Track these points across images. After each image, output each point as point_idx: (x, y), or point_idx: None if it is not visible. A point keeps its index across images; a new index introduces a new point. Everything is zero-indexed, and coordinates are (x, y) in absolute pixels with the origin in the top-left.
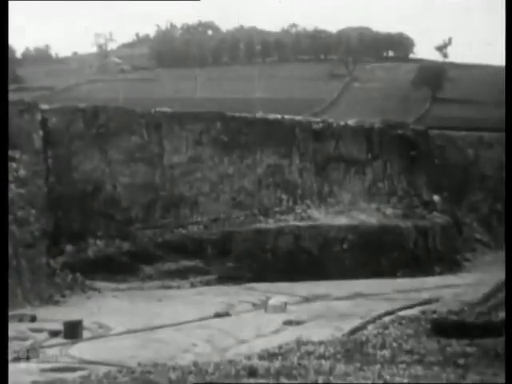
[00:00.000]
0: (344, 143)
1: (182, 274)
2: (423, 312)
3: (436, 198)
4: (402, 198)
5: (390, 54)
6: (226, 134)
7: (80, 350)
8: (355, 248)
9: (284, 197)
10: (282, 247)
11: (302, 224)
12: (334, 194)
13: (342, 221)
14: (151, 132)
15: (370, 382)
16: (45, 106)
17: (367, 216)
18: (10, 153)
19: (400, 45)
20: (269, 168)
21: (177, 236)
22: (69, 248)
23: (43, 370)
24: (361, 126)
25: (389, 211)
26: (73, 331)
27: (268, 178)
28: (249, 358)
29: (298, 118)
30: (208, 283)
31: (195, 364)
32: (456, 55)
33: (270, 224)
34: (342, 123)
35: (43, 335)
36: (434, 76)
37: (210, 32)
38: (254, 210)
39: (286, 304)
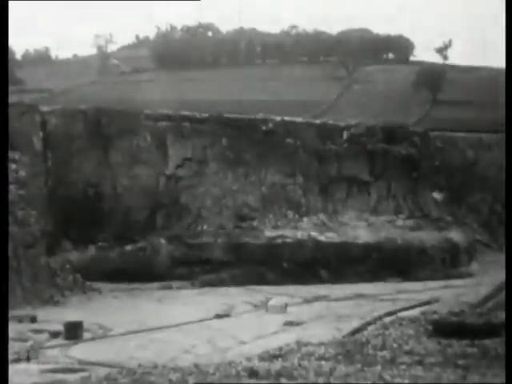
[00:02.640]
0: (346, 163)
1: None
2: (423, 313)
3: (437, 195)
4: (408, 217)
5: (390, 56)
6: (232, 150)
7: (80, 351)
8: (377, 264)
9: (290, 213)
10: (298, 260)
11: (321, 239)
12: (339, 213)
13: (362, 236)
14: (155, 137)
15: (371, 382)
16: (45, 108)
17: (377, 230)
18: (10, 154)
19: (400, 47)
20: (273, 186)
21: (182, 248)
22: (69, 249)
23: (43, 371)
24: (363, 148)
25: (400, 223)
26: (73, 332)
27: (272, 196)
28: (249, 359)
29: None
30: (209, 284)
31: (196, 365)
32: (456, 57)
33: (285, 234)
34: (345, 145)
35: (43, 336)
36: (434, 78)
37: (209, 33)
38: (263, 220)
39: (286, 305)
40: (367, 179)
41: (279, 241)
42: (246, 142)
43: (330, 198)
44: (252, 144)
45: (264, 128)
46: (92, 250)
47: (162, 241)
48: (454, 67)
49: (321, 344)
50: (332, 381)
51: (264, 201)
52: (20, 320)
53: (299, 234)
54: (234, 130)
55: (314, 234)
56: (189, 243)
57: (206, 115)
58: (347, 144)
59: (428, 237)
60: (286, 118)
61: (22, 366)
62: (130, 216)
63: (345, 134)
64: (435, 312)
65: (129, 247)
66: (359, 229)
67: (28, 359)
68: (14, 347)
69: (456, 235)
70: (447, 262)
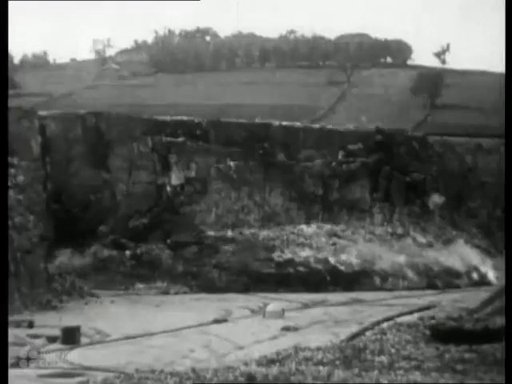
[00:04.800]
0: (350, 188)
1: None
2: (421, 318)
3: (437, 198)
4: (415, 238)
5: (389, 60)
6: (236, 171)
7: (78, 356)
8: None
9: (294, 236)
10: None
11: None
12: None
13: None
14: (156, 145)
15: None
16: (43, 113)
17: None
18: (9, 159)
19: (398, 51)
20: (276, 207)
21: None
22: (67, 254)
23: (41, 376)
24: (366, 169)
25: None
26: (71, 337)
27: (275, 218)
28: (247, 364)
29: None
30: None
31: (193, 370)
32: (454, 61)
33: (297, 260)
34: (344, 166)
35: (41, 341)
36: (433, 82)
37: (208, 38)
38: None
39: (283, 310)
40: (371, 203)
41: (291, 270)
42: (250, 162)
43: (335, 223)
44: (256, 164)
45: (261, 152)
46: (90, 256)
47: (162, 252)
48: (452, 72)
49: (318, 349)
50: None
51: (268, 222)
52: (17, 325)
53: (312, 259)
54: (239, 150)
55: (330, 258)
56: (189, 259)
57: (204, 120)
58: (345, 164)
59: (453, 261)
60: (284, 123)
61: (20, 370)
62: (129, 223)
63: (340, 154)
64: (433, 317)
65: (127, 253)
66: (376, 248)
67: (26, 364)
68: (11, 352)
69: (472, 253)
70: (475, 280)
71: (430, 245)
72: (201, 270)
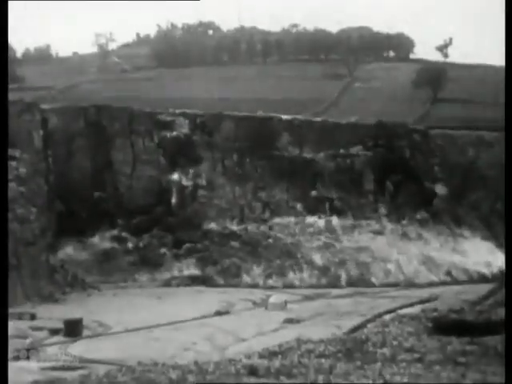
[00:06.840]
0: (356, 188)
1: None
2: (423, 310)
3: (440, 188)
4: (427, 241)
5: (391, 54)
6: (241, 167)
7: (80, 349)
8: None
9: (301, 238)
10: None
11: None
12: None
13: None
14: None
15: (371, 380)
16: (45, 106)
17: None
18: (11, 152)
19: (400, 45)
20: (281, 205)
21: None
22: (69, 247)
23: (43, 369)
24: (370, 168)
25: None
26: (73, 329)
27: (279, 215)
28: (249, 356)
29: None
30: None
31: (195, 363)
32: (456, 55)
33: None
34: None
35: (43, 333)
36: (435, 76)
37: (210, 32)
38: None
39: (286, 302)
40: (376, 207)
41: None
42: (257, 159)
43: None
44: (262, 160)
45: (264, 146)
46: (92, 249)
47: (165, 247)
48: (454, 65)
49: (321, 341)
50: (332, 379)
51: (271, 219)
52: (20, 317)
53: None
54: (243, 145)
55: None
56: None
57: (207, 114)
58: (349, 159)
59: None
60: (286, 117)
61: (22, 363)
62: (132, 218)
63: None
64: (435, 309)
65: (130, 246)
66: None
67: (28, 356)
68: (13, 344)
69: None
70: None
71: (442, 246)
72: (204, 273)
